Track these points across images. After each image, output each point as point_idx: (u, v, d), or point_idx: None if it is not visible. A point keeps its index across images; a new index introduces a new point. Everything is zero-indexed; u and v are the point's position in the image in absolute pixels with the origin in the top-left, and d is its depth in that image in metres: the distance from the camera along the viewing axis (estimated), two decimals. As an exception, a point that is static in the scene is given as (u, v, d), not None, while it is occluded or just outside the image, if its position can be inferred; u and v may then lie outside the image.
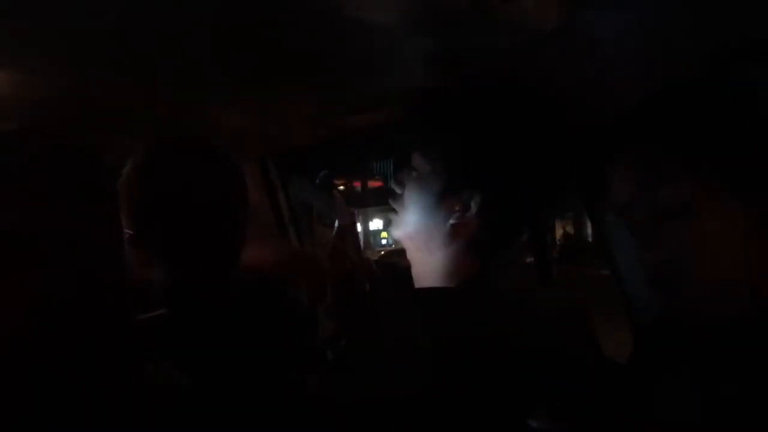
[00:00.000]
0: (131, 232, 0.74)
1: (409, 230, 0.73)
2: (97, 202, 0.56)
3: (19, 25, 0.64)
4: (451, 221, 0.68)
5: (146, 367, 0.63)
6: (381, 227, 10.90)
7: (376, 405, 0.59)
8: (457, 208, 0.68)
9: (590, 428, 0.64)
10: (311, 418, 0.68)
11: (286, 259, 1.04)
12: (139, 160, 0.76)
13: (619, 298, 0.88)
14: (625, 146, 0.58)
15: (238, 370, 0.71)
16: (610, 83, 0.80)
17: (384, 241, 10.52)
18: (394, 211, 0.76)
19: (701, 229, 0.53)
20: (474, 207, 0.68)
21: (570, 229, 14.16)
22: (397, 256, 0.93)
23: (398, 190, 0.75)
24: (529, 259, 1.17)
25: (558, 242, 14.54)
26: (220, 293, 0.77)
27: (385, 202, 0.80)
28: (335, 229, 0.94)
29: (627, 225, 0.59)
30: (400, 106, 0.94)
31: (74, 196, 0.54)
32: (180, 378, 0.65)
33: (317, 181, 1.12)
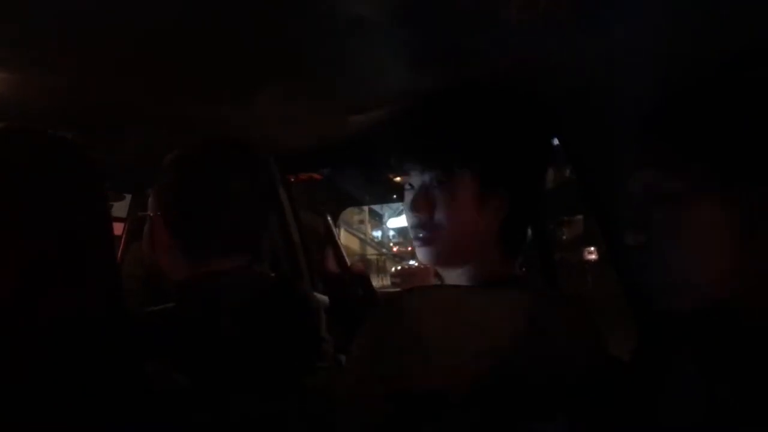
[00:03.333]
0: (160, 214, 0.87)
1: (448, 250, 0.80)
2: (84, 195, 0.65)
3: (12, 23, 0.69)
4: (495, 223, 0.78)
5: (149, 365, 0.73)
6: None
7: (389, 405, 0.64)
8: (497, 209, 0.78)
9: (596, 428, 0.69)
10: (320, 419, 0.77)
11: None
12: (185, 149, 0.90)
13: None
14: (627, 140, 0.65)
15: (248, 370, 0.80)
16: (614, 83, 0.86)
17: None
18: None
19: (689, 218, 0.58)
20: (508, 205, 0.78)
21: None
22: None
23: (422, 217, 0.80)
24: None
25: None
26: (236, 287, 0.86)
27: None
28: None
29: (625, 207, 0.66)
30: (401, 107, 1.01)
31: (62, 189, 0.62)
32: (184, 377, 0.76)
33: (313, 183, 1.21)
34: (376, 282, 16.20)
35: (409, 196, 0.84)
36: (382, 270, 18.31)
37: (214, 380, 0.78)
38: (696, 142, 0.59)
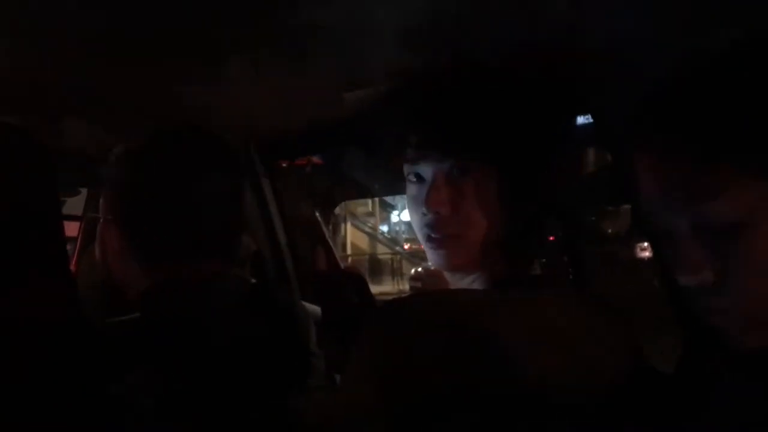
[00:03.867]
0: (111, 218, 0.89)
1: (468, 253, 0.80)
2: (30, 188, 0.68)
3: None
4: (518, 220, 0.80)
5: (112, 384, 0.76)
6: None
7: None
8: (521, 202, 0.80)
9: None
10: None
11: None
12: (134, 142, 0.90)
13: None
14: (672, 154, 0.60)
15: (224, 392, 0.82)
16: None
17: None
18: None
19: (758, 249, 0.55)
20: (531, 198, 0.80)
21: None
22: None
23: (441, 215, 0.80)
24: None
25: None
26: (206, 297, 0.88)
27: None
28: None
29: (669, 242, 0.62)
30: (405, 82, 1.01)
31: (3, 180, 0.65)
32: (152, 397, 0.78)
33: (306, 171, 1.24)
34: (392, 286, 16.16)
35: (415, 188, 0.84)
36: (397, 272, 18.25)
37: (185, 403, 0.80)
38: (754, 156, 0.54)
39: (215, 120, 1.20)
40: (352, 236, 20.30)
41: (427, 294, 0.79)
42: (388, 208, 22.10)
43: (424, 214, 0.82)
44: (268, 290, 1.00)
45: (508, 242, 0.81)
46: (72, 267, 1.49)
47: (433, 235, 0.81)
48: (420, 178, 0.84)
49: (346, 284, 1.08)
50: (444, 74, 0.85)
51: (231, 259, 0.92)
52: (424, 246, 0.84)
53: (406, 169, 0.86)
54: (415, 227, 0.85)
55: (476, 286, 0.83)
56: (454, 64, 0.87)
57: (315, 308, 1.20)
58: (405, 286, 15.05)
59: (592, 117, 1.05)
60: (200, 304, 0.86)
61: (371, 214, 22.23)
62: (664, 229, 0.61)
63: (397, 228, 22.73)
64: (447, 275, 0.88)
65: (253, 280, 1.04)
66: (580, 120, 1.11)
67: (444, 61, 0.89)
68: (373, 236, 21.70)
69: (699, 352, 0.75)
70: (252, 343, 0.87)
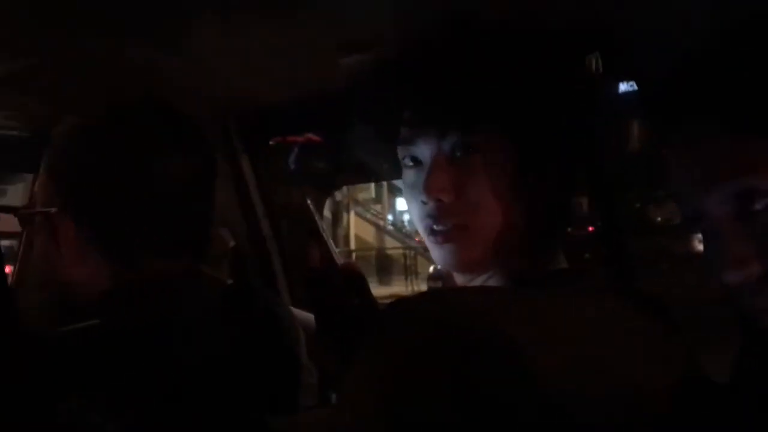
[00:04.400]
0: (57, 209, 0.90)
1: (479, 248, 0.81)
2: None
3: None
4: (537, 206, 0.80)
5: (62, 404, 0.76)
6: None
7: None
8: (540, 186, 0.80)
9: None
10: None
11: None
12: (81, 118, 0.92)
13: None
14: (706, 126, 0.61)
15: (195, 409, 0.83)
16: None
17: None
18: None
19: None
20: (554, 180, 0.81)
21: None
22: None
23: (443, 203, 0.81)
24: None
25: None
26: (176, 298, 0.90)
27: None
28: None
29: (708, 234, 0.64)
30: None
31: None
32: (111, 418, 0.79)
33: (292, 165, 1.23)
34: (405, 287, 16.15)
35: (413, 174, 0.85)
36: (411, 270, 18.24)
37: (152, 424, 0.81)
38: None
39: (184, 91, 1.20)
40: (357, 227, 20.28)
41: (436, 292, 0.79)
42: (396, 192, 22.07)
43: (424, 203, 0.82)
44: (246, 292, 1.01)
45: (527, 233, 0.81)
46: (17, 266, 1.50)
47: (435, 227, 0.82)
48: (417, 162, 0.84)
49: (342, 284, 1.08)
50: (442, 33, 0.85)
51: (201, 255, 0.93)
52: (426, 241, 0.85)
53: (401, 152, 0.87)
54: (415, 219, 0.86)
55: (491, 284, 0.84)
56: (454, 21, 0.87)
57: (308, 315, 1.20)
58: (420, 287, 15.06)
59: (636, 84, 1.05)
60: (169, 308, 0.88)
61: (377, 201, 22.19)
62: (702, 217, 0.62)
63: (405, 217, 22.69)
64: (456, 276, 0.88)
65: (230, 281, 1.04)
66: (623, 87, 1.11)
67: (444, 20, 0.88)
68: (380, 227, 21.67)
69: (756, 357, 0.75)
70: (229, 354, 0.88)
